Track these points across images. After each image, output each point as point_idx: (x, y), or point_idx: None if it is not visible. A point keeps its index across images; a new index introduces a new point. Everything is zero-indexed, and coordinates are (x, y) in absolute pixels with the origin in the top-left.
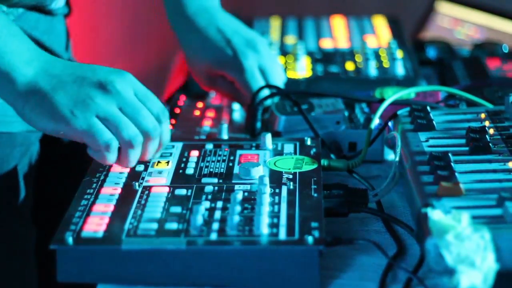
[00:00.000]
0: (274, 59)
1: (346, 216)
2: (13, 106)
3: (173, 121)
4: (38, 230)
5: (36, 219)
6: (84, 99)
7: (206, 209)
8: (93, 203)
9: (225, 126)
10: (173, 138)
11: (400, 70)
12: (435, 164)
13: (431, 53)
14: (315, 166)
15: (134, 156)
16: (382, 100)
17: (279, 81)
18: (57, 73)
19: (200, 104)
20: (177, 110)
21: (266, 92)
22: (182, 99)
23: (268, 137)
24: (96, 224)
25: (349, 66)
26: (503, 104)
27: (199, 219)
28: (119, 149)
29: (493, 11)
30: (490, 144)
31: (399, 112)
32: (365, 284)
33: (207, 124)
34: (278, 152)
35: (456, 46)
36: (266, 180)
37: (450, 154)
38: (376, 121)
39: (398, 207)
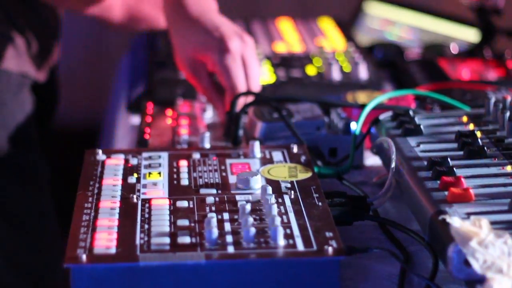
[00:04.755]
0: (256, 58)
1: (351, 224)
2: None
3: (148, 130)
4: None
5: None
6: None
7: None
8: (95, 217)
9: (207, 135)
10: (156, 148)
11: (363, 74)
12: (438, 170)
13: (379, 55)
14: (310, 174)
15: None
16: (363, 106)
17: (257, 81)
18: None
19: (169, 112)
20: (149, 119)
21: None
22: (150, 107)
23: (257, 145)
24: (106, 240)
25: (310, 70)
26: (477, 106)
27: (214, 232)
28: None
29: (424, 10)
30: (485, 148)
31: (381, 117)
32: None
33: (184, 133)
34: (267, 160)
35: (405, 48)
36: (270, 189)
37: (449, 159)
38: (354, 126)
39: (391, 213)
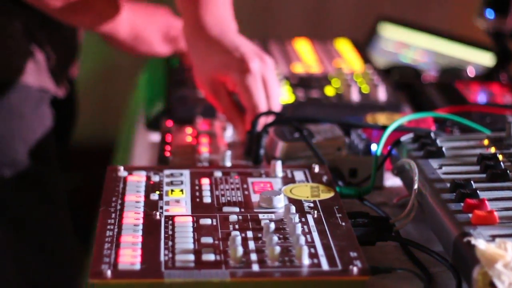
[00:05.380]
0: (276, 78)
1: (374, 244)
2: None
3: (168, 147)
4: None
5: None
6: None
7: None
8: (119, 234)
9: (228, 153)
10: (177, 166)
11: (382, 95)
12: (462, 192)
13: (396, 77)
14: (332, 194)
15: None
16: (384, 127)
17: (278, 101)
18: None
19: (189, 130)
20: (169, 136)
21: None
22: (170, 125)
23: (279, 164)
24: (130, 256)
25: (329, 91)
26: (497, 130)
27: (240, 250)
28: None
29: (438, 33)
30: (508, 171)
31: (402, 139)
32: None
33: (204, 151)
34: (289, 180)
35: (421, 70)
36: (293, 209)
37: (472, 182)
38: (374, 148)
39: (412, 235)
